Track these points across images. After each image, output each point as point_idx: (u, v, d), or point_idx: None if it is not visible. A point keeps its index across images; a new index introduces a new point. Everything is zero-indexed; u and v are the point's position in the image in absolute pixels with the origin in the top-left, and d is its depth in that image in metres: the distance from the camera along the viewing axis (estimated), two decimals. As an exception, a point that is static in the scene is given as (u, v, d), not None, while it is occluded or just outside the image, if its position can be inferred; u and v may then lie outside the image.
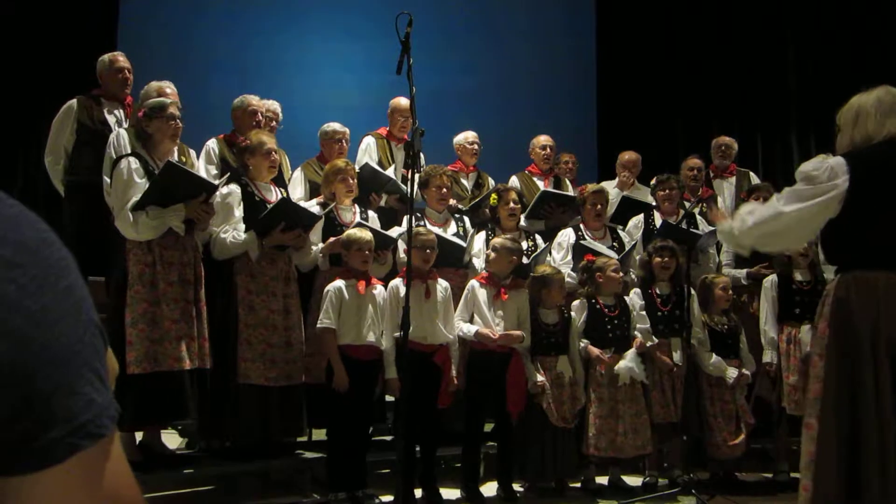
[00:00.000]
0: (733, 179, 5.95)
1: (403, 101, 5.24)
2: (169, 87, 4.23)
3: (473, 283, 4.24)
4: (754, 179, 5.93)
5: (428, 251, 4.01)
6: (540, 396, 4.16)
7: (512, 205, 4.76)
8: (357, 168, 4.62)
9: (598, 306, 4.40)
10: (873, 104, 2.54)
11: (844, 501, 2.33)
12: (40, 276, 0.60)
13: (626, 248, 4.88)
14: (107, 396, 0.64)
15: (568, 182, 5.81)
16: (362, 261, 3.93)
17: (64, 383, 0.60)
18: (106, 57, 4.55)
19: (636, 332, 4.39)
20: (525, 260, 4.51)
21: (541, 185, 5.53)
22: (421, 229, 4.13)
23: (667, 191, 5.13)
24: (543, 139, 5.74)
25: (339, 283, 3.91)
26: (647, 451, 4.29)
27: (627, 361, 4.21)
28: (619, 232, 5.08)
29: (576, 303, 4.44)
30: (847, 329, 2.41)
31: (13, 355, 0.58)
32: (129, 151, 3.74)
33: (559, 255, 4.85)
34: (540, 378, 4.16)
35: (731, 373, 4.39)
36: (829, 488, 2.36)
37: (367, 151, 5.21)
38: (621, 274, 4.43)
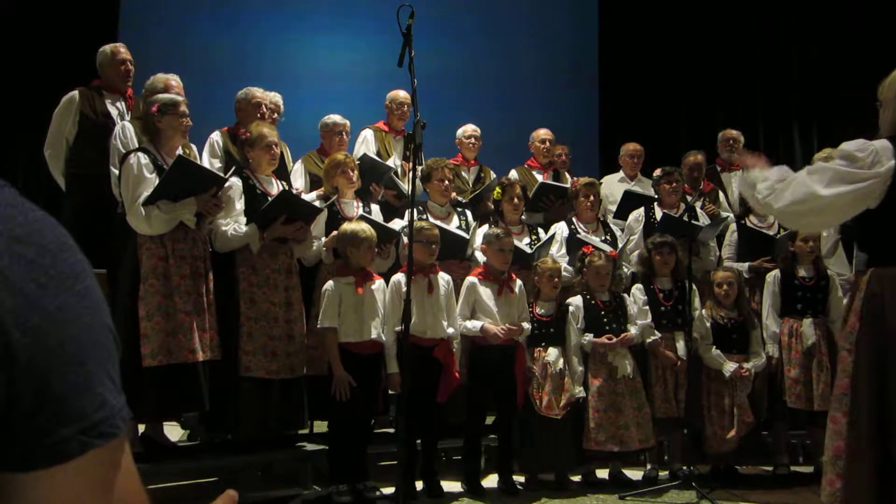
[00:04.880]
0: (740, 172, 5.95)
1: (401, 93, 5.27)
2: (175, 80, 4.21)
3: (472, 279, 4.24)
4: None
5: (433, 246, 4.01)
6: (530, 383, 4.19)
7: (516, 200, 4.77)
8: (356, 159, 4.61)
9: (593, 302, 4.41)
10: None
11: (877, 501, 2.24)
12: (59, 277, 0.62)
13: (620, 243, 4.90)
14: (119, 399, 0.65)
15: (567, 175, 5.82)
16: (370, 258, 3.95)
17: (78, 382, 0.61)
18: (107, 48, 4.51)
19: (630, 328, 4.40)
20: (528, 250, 4.53)
21: (540, 178, 5.55)
22: (425, 223, 4.13)
23: (673, 184, 5.10)
24: (543, 133, 5.75)
25: (336, 281, 3.91)
26: (651, 444, 4.30)
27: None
28: (612, 226, 5.09)
29: (573, 299, 4.45)
30: (879, 325, 2.29)
31: (31, 352, 0.58)
32: (137, 144, 3.76)
33: (554, 248, 4.86)
34: (532, 366, 4.20)
35: (729, 367, 4.39)
36: (862, 487, 2.26)
37: (365, 143, 5.22)
38: (607, 269, 4.42)
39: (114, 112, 4.39)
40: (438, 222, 4.41)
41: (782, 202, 2.41)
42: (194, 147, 4.27)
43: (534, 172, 5.65)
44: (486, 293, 4.18)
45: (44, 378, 0.59)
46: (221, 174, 3.94)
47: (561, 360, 4.26)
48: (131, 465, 0.68)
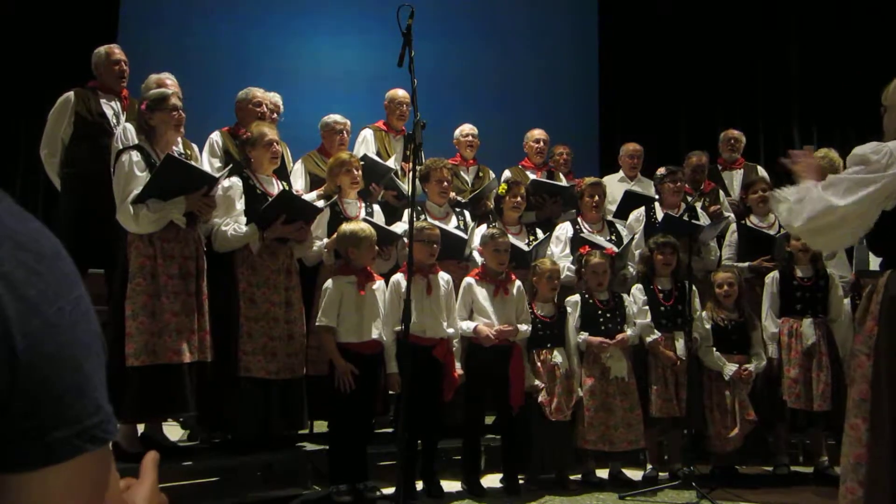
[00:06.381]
0: (741, 172, 5.98)
1: (400, 92, 5.27)
2: (169, 79, 4.22)
3: (469, 280, 4.24)
4: (761, 173, 5.94)
5: (434, 245, 4.02)
6: (537, 391, 4.19)
7: (519, 199, 4.79)
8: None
9: (591, 301, 4.41)
10: None
11: None
12: (55, 284, 0.63)
13: (625, 242, 4.89)
14: (110, 404, 0.67)
15: (561, 176, 5.83)
16: (372, 256, 3.95)
17: (75, 386, 0.63)
18: (102, 49, 4.52)
19: (627, 328, 4.40)
20: (526, 249, 4.53)
21: (533, 178, 5.55)
22: (425, 224, 4.13)
23: (678, 183, 5.10)
24: (537, 133, 5.77)
25: (337, 280, 3.91)
26: (640, 445, 4.31)
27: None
28: (618, 226, 5.09)
29: (571, 298, 4.45)
30: None
31: (30, 355, 0.60)
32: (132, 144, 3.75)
33: (557, 248, 4.87)
34: (536, 382, 4.19)
35: (729, 369, 4.39)
36: (882, 494, 2.20)
37: (365, 143, 5.22)
38: (604, 268, 4.42)
39: (109, 112, 4.40)
40: (437, 223, 4.41)
41: (801, 220, 2.36)
42: (195, 147, 4.27)
43: (527, 172, 5.66)
44: (482, 294, 4.18)
45: (42, 381, 0.60)
46: (213, 173, 3.91)
47: (566, 361, 4.26)
48: (115, 472, 0.70)
